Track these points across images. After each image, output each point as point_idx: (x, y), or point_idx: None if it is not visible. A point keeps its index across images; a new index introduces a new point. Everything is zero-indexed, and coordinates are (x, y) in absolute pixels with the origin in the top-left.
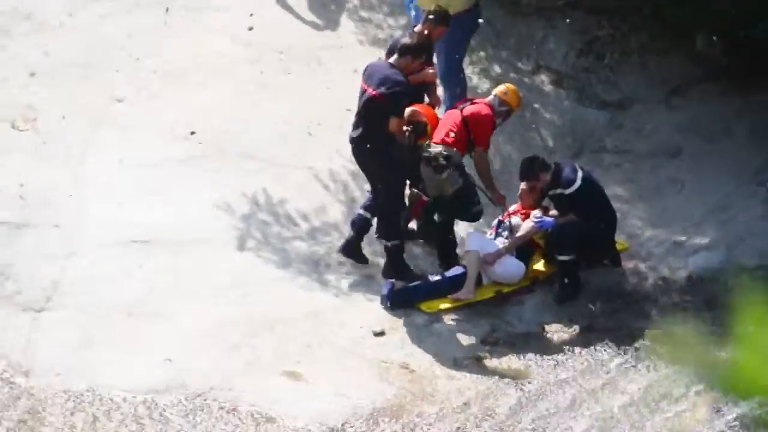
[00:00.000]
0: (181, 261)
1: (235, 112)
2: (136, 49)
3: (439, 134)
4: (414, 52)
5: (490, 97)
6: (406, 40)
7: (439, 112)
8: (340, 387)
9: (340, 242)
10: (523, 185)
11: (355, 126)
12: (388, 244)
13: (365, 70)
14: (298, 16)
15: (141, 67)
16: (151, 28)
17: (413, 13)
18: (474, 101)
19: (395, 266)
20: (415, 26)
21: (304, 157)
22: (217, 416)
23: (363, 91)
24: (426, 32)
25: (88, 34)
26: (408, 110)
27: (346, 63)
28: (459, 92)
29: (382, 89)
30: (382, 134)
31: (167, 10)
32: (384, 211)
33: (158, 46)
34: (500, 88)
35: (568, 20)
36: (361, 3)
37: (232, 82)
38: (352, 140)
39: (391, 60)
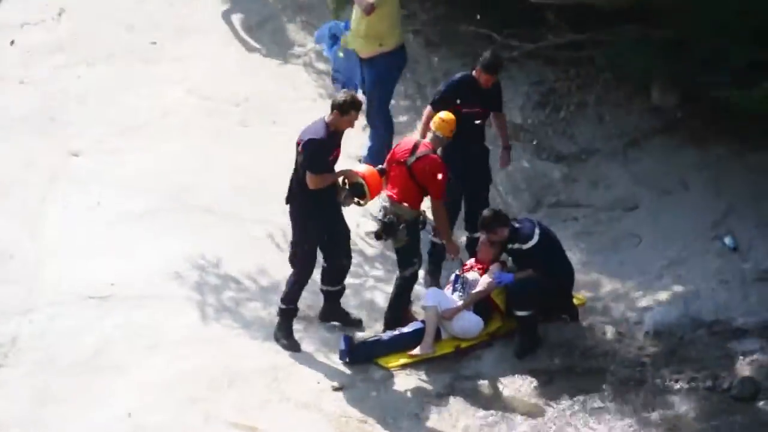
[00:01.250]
0: (138, 316)
1: (192, 165)
2: (93, 103)
3: (391, 190)
4: (340, 109)
5: (430, 135)
6: (339, 96)
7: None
8: None
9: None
10: (482, 239)
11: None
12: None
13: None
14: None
15: (97, 121)
16: (107, 80)
17: (340, 54)
18: (417, 146)
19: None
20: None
21: (262, 211)
22: None
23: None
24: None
25: (43, 87)
26: (344, 171)
27: (302, 114)
28: (385, 133)
29: (301, 143)
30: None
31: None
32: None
33: (115, 98)
34: (435, 120)
35: (522, 71)
36: (317, 56)
37: (189, 135)
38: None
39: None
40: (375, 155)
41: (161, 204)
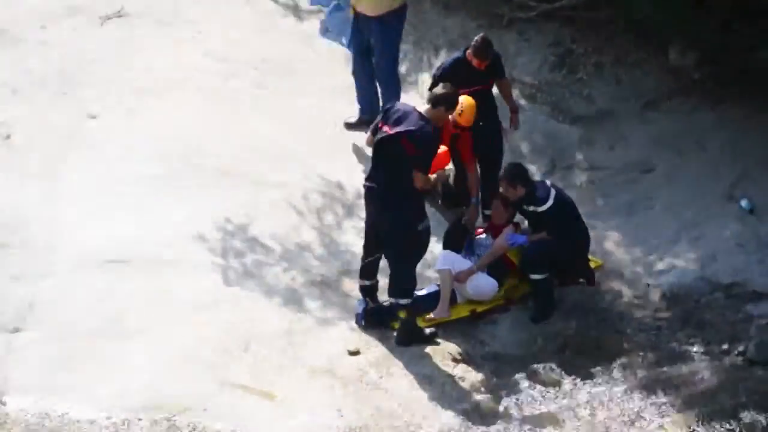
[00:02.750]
0: (156, 281)
1: (209, 128)
2: (110, 65)
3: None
4: (447, 103)
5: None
6: (439, 90)
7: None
8: (315, 407)
9: (309, 264)
10: (496, 201)
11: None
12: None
13: (391, 111)
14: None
15: (114, 83)
16: (123, 42)
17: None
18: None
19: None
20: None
21: (280, 175)
22: None
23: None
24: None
25: (60, 49)
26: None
27: (320, 76)
28: (397, 90)
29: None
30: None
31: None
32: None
33: (132, 61)
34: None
35: (540, 32)
36: None
37: (206, 97)
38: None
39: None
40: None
41: (179, 167)
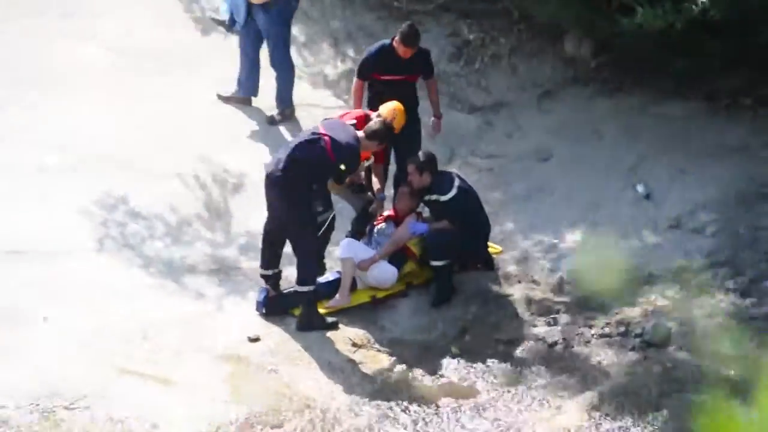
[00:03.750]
0: (53, 270)
1: (109, 119)
2: (8, 59)
3: None
4: (379, 139)
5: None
6: (376, 125)
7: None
8: (214, 393)
9: (206, 250)
10: (401, 189)
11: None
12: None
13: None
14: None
15: (12, 77)
16: (22, 36)
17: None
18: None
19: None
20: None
21: (179, 164)
22: (92, 424)
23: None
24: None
25: None
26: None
27: (218, 68)
28: (291, 73)
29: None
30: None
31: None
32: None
33: (31, 54)
34: (385, 107)
35: (438, 24)
36: None
37: (105, 89)
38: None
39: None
40: (287, 96)
41: (78, 158)
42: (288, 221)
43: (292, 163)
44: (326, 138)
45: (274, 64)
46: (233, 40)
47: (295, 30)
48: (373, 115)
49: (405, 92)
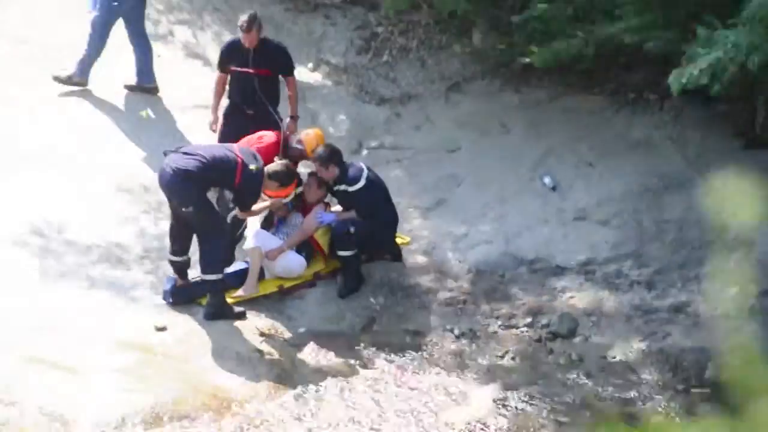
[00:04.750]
0: None
1: (15, 114)
2: None
3: None
4: (280, 181)
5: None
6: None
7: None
8: (121, 382)
9: (117, 241)
10: (309, 179)
11: None
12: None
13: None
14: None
15: None
16: None
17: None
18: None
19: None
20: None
21: (84, 157)
22: (2, 415)
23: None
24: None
25: None
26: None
27: (120, 64)
28: (148, 49)
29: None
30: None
31: None
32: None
33: None
34: (305, 132)
35: (346, 16)
36: None
37: (8, 82)
38: None
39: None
40: (147, 71)
41: None
42: (186, 214)
43: (192, 171)
44: (239, 160)
45: (135, 40)
46: None
47: (204, 20)
48: (293, 136)
49: (261, 87)
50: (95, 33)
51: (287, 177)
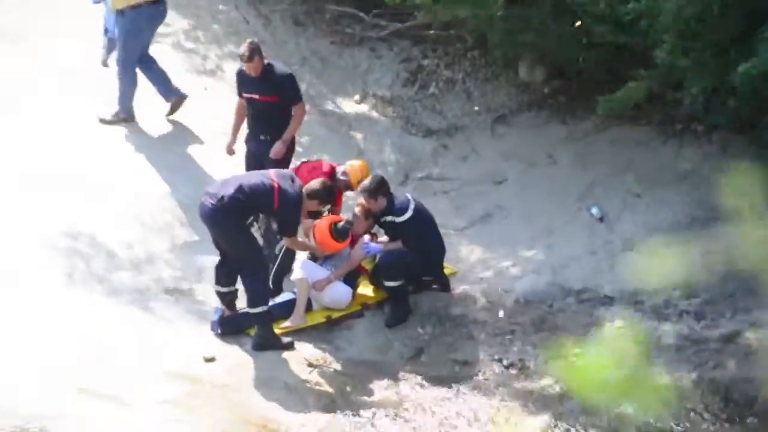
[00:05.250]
0: (7, 290)
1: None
2: None
3: None
4: (320, 199)
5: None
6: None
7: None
8: (170, 413)
9: (165, 270)
10: (357, 210)
11: None
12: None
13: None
14: None
15: None
16: None
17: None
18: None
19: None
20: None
21: (125, 183)
22: None
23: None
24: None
25: None
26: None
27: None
28: (129, 85)
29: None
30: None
31: None
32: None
33: None
34: (349, 163)
35: (392, 50)
36: None
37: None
38: None
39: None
40: (124, 102)
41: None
42: (227, 246)
43: (231, 200)
44: (275, 185)
45: (118, 71)
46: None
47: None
48: (339, 169)
49: (270, 113)
50: (121, 68)
51: (326, 194)
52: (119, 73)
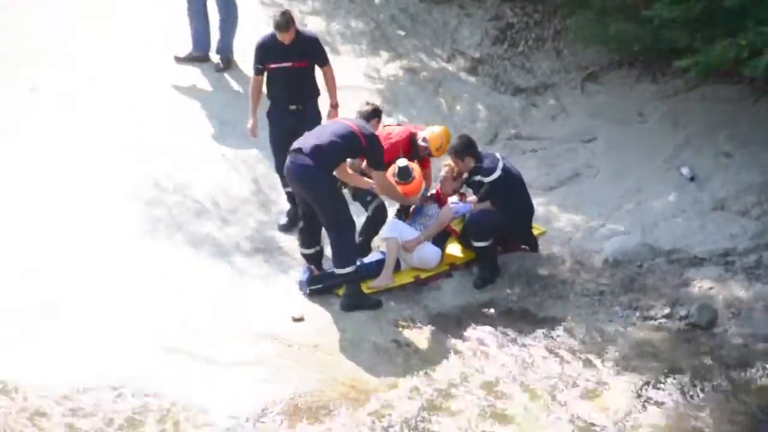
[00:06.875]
0: (93, 251)
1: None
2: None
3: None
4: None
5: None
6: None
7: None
8: (259, 374)
9: (255, 229)
10: (444, 171)
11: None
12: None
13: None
14: None
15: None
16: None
17: None
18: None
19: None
20: None
21: (217, 142)
22: (141, 406)
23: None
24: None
25: None
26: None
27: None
28: (233, 20)
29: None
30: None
31: None
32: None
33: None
34: (430, 129)
35: (481, 7)
36: None
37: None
38: None
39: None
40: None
41: (110, 139)
42: (317, 208)
43: (330, 147)
44: (353, 126)
45: (218, 4)
46: None
47: (338, 16)
48: (419, 133)
49: (303, 79)
50: (190, 6)
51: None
52: (188, 11)
